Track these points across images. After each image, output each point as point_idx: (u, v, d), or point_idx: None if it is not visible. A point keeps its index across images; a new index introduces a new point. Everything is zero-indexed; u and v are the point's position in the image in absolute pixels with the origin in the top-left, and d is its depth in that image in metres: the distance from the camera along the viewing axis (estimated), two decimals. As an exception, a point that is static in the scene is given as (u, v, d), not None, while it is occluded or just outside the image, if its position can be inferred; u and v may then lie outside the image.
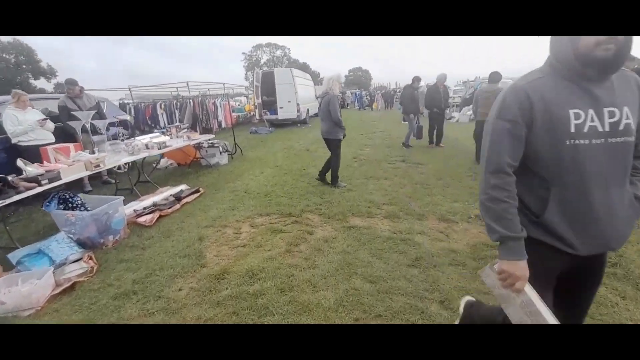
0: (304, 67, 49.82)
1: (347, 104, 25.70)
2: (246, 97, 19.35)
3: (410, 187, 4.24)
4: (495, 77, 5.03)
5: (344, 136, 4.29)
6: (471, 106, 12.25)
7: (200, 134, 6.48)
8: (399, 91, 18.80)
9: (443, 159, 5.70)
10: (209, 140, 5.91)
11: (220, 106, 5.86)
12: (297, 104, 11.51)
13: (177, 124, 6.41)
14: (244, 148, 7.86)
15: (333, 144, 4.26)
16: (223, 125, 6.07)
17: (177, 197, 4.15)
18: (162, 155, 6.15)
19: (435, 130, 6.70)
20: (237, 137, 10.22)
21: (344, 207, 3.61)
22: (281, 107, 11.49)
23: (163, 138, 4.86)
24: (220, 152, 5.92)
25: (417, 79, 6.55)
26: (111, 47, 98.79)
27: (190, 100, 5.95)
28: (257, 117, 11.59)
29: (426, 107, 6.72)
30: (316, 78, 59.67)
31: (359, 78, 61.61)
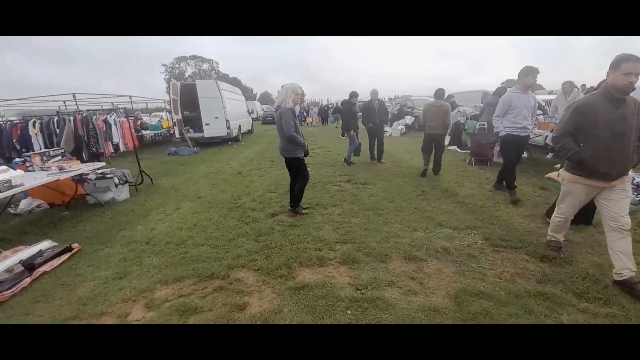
0: (235, 82, 47.83)
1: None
2: (169, 112, 17.01)
3: (362, 214, 3.65)
4: (439, 93, 5.13)
5: (306, 154, 3.60)
6: (401, 121, 13.03)
7: (85, 161, 4.81)
8: (332, 107, 19.12)
9: (389, 177, 5.39)
10: (97, 170, 4.37)
11: (116, 124, 4.40)
12: (227, 120, 10.27)
13: (45, 150, 4.61)
14: (157, 175, 6.32)
15: (292, 164, 3.60)
16: (122, 148, 4.58)
17: (29, 266, 2.68)
18: (25, 194, 4.31)
19: (375, 147, 6.47)
20: (150, 160, 8.47)
21: (287, 253, 2.76)
22: (207, 124, 10.08)
23: (10, 174, 3.24)
24: (116, 185, 4.42)
25: (354, 94, 6.27)
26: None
27: (70, 118, 4.29)
28: (177, 135, 9.89)
29: (362, 122, 6.47)
30: (249, 93, 58.04)
31: (292, 94, 62.13)
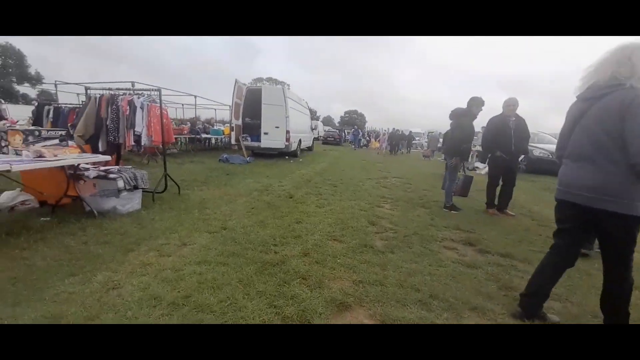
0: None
1: (344, 141, 23.80)
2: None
3: None
4: None
5: None
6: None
7: (101, 152, 3.61)
8: (403, 133, 16.69)
9: (539, 245, 3.02)
10: (96, 165, 3.08)
11: (142, 108, 3.30)
12: (287, 132, 9.01)
13: (34, 128, 3.59)
14: (193, 182, 5.02)
15: (621, 232, 1.50)
16: (144, 141, 3.41)
17: None
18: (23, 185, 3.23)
19: (501, 187, 4.14)
20: (197, 164, 7.41)
21: None
22: (266, 133, 8.95)
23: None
24: (120, 190, 3.05)
25: (477, 102, 3.99)
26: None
27: (97, 95, 3.38)
28: (233, 142, 8.94)
29: (484, 148, 4.25)
30: (313, 115, 59.27)
31: (353, 120, 62.01)
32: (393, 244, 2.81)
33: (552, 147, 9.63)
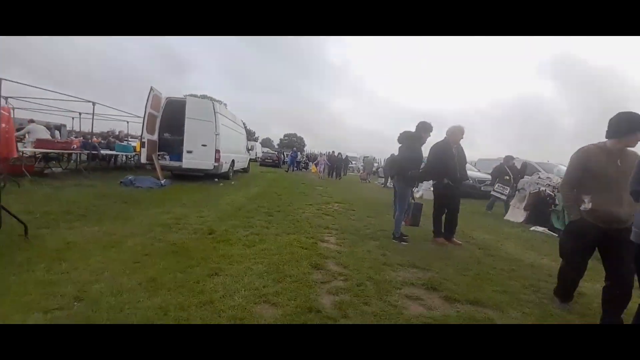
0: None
1: (283, 163, 23.04)
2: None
3: None
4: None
5: None
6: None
7: None
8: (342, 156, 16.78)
9: (502, 283, 2.71)
10: None
11: None
12: (217, 151, 7.82)
13: None
14: (68, 216, 3.51)
15: None
16: None
17: None
18: None
19: (446, 214, 3.91)
20: (86, 188, 5.26)
21: None
22: (189, 152, 7.57)
23: None
24: None
25: (425, 127, 3.72)
26: None
27: None
28: (143, 160, 7.25)
29: (431, 174, 4.03)
30: (251, 136, 57.41)
31: (293, 143, 62.45)
32: (345, 301, 2.08)
33: (478, 174, 10.65)
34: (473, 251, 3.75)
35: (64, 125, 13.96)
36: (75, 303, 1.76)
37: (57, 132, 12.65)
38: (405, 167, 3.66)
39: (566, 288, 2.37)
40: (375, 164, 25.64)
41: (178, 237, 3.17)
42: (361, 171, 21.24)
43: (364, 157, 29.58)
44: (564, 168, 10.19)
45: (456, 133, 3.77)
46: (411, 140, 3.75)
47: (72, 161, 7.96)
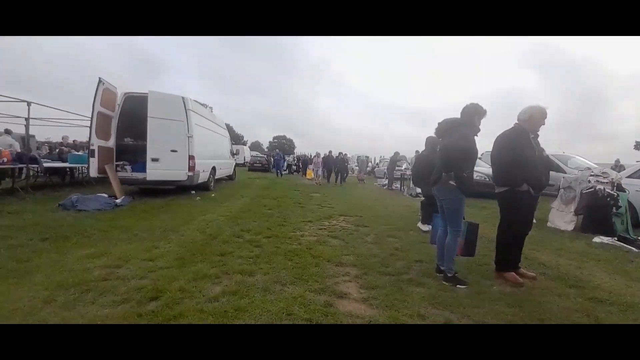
0: (228, 128, 44.42)
1: (273, 167, 21.45)
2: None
3: None
4: None
5: None
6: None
7: None
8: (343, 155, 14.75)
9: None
10: None
11: None
12: (191, 157, 6.39)
13: None
14: None
15: None
16: None
17: None
18: None
19: (515, 237, 2.64)
20: (4, 218, 3.65)
21: None
22: (155, 159, 6.10)
23: None
24: None
25: (480, 111, 2.51)
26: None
27: None
28: (93, 174, 5.74)
29: (504, 178, 2.76)
30: (239, 140, 54.97)
31: (282, 145, 60.83)
32: None
33: (488, 170, 9.46)
34: (562, 290, 2.50)
35: (33, 136, 11.74)
36: None
37: (17, 144, 10.57)
38: (461, 165, 2.37)
39: None
40: (370, 164, 24.45)
41: (89, 315, 1.78)
42: (356, 172, 19.98)
43: (357, 157, 28.42)
44: (581, 160, 9.01)
45: (536, 117, 2.50)
46: (464, 127, 2.47)
47: (5, 179, 6.35)
